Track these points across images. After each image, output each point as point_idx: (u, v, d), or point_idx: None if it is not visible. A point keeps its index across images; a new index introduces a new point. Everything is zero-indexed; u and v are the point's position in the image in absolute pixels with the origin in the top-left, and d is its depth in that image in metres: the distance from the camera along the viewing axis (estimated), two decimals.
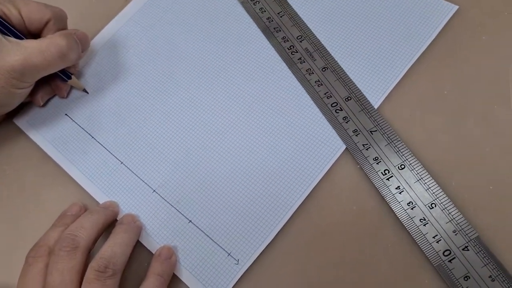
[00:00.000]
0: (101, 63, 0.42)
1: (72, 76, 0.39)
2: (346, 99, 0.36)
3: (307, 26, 0.40)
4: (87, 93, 0.41)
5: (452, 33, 0.37)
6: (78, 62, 0.41)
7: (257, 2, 0.42)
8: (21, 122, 0.41)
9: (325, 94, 0.36)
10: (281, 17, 0.41)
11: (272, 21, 0.41)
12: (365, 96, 0.36)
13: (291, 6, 0.41)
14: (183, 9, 0.43)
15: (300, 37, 0.39)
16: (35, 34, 0.38)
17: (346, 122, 0.35)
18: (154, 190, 0.36)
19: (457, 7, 0.38)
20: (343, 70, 0.37)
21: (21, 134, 0.41)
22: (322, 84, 0.37)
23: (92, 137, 0.39)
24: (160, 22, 0.43)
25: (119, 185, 0.37)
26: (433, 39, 0.37)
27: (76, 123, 0.40)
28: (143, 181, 0.36)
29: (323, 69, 0.37)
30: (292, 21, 0.40)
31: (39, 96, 0.39)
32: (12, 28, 0.35)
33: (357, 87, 0.36)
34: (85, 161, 0.38)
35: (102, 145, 0.38)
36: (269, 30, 0.40)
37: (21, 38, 0.35)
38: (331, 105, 0.36)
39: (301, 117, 0.36)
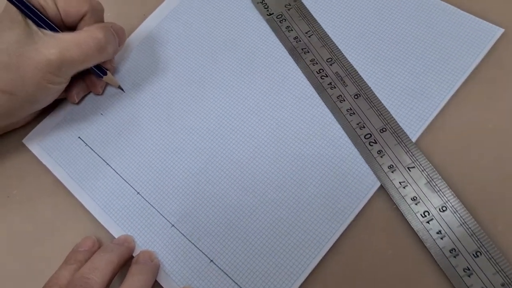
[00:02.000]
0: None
1: (108, 72, 0.37)
2: (381, 131, 0.33)
3: (338, 48, 0.37)
4: (123, 90, 0.39)
5: (498, 58, 0.34)
6: (114, 58, 0.39)
7: (284, 20, 0.39)
8: (31, 144, 0.39)
9: (357, 124, 0.34)
10: (309, 37, 0.38)
11: (300, 41, 0.38)
12: (401, 128, 0.33)
13: (320, 25, 0.38)
14: (210, 17, 0.41)
15: (330, 59, 0.36)
16: (71, 27, 0.36)
17: (381, 157, 0.32)
18: (173, 225, 0.34)
19: (503, 30, 0.35)
20: (377, 98, 0.34)
21: (32, 156, 0.39)
22: (354, 113, 0.34)
23: (107, 163, 0.37)
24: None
25: (134, 217, 0.34)
26: (477, 64, 0.34)
27: (89, 147, 0.38)
28: (161, 214, 0.34)
29: (356, 96, 0.35)
30: (322, 41, 0.37)
31: (74, 92, 0.38)
32: (48, 21, 0.33)
33: (392, 117, 0.33)
34: (99, 189, 0.36)
35: (116, 172, 0.36)
36: (297, 51, 0.37)
37: (56, 31, 0.34)
38: (365, 136, 0.33)
39: (332, 149, 0.34)
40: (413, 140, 0.33)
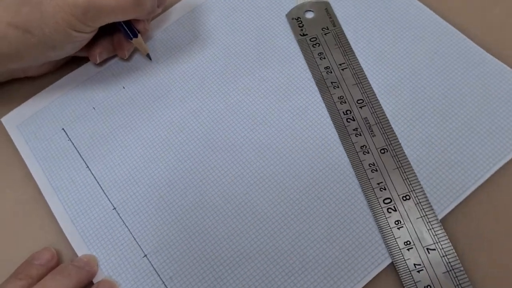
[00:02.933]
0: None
1: (139, 35, 0.33)
2: (404, 198, 0.29)
3: (372, 90, 0.32)
4: (150, 59, 0.35)
5: None
6: (149, 19, 0.34)
7: (317, 45, 0.34)
8: (9, 125, 0.34)
9: (378, 184, 0.29)
10: (342, 70, 0.33)
11: (331, 72, 0.33)
12: (427, 199, 0.28)
13: (357, 59, 0.33)
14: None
15: (361, 101, 0.32)
16: None
17: (398, 229, 0.28)
18: (145, 255, 0.29)
19: None
20: (407, 158, 0.30)
21: (8, 139, 0.34)
22: (377, 170, 0.29)
23: (87, 166, 0.32)
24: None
25: (104, 236, 0.30)
26: None
27: (72, 142, 0.33)
28: (135, 240, 0.29)
29: (382, 151, 0.30)
30: (355, 78, 0.33)
31: (97, 51, 0.33)
32: None
33: (420, 185, 0.29)
34: (72, 195, 0.31)
35: (95, 178, 0.32)
36: (325, 84, 0.33)
37: None
38: (384, 200, 0.29)
39: (344, 206, 0.29)
40: (439, 217, 0.28)
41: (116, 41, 0.34)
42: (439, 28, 0.34)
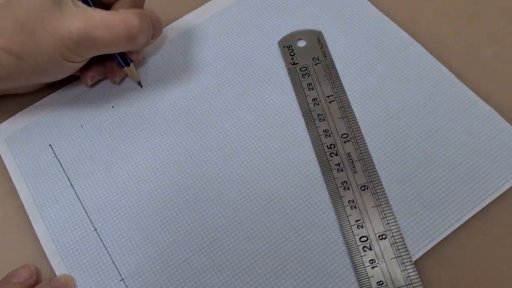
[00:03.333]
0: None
1: (131, 64, 0.34)
2: (380, 237, 0.29)
3: (358, 125, 0.33)
4: (141, 87, 0.35)
5: None
6: (142, 49, 0.35)
7: (307, 75, 0.35)
8: None
9: (356, 221, 0.29)
10: (329, 102, 0.33)
11: (318, 104, 0.33)
12: (403, 240, 0.29)
13: (345, 93, 0.34)
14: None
15: (346, 136, 0.32)
16: (106, 4, 0.33)
17: (372, 268, 0.28)
18: (122, 279, 0.29)
19: None
20: (386, 196, 0.30)
21: None
22: (356, 207, 0.30)
23: (70, 184, 0.32)
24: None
25: (83, 257, 0.30)
26: (505, 190, 0.30)
27: (57, 159, 0.33)
28: (113, 263, 0.30)
29: (362, 188, 0.30)
30: (342, 111, 0.33)
31: (89, 75, 0.34)
32: None
33: (397, 224, 0.29)
34: (54, 213, 0.32)
35: (78, 197, 0.32)
36: (312, 116, 0.33)
37: (88, 4, 0.31)
38: (360, 238, 0.29)
39: (321, 241, 0.29)
40: (413, 258, 0.28)
41: (108, 67, 0.34)
42: (432, 69, 0.34)
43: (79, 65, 0.32)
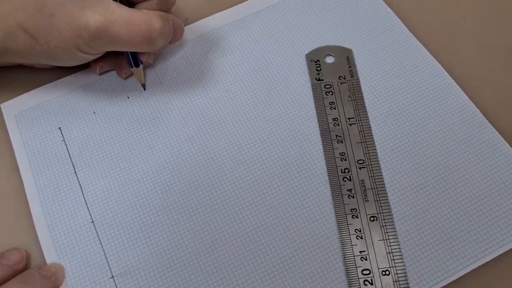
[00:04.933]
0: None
1: (141, 66, 0.33)
2: (384, 272, 0.28)
3: (376, 152, 0.31)
4: (144, 89, 0.34)
5: None
6: (156, 53, 0.34)
7: (330, 93, 0.33)
8: (7, 112, 0.34)
9: (360, 252, 0.28)
10: (350, 125, 0.32)
11: (338, 125, 0.32)
12: (407, 279, 0.28)
13: (367, 117, 0.33)
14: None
15: (362, 162, 0.31)
16: (131, 2, 0.31)
17: None
18: (112, 276, 0.29)
19: None
20: (395, 230, 0.29)
21: (2, 126, 0.34)
22: (362, 238, 0.29)
23: (74, 171, 0.32)
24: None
25: (76, 248, 0.29)
26: None
27: (65, 143, 0.33)
28: (106, 258, 0.29)
29: (372, 218, 0.29)
30: (361, 136, 0.32)
31: (99, 63, 0.34)
32: None
33: (402, 261, 0.28)
34: (54, 198, 0.31)
35: (80, 186, 0.31)
36: (330, 136, 0.32)
37: None
38: (362, 271, 0.28)
39: (324, 275, 0.28)
40: None
41: (118, 60, 0.34)
42: (460, 105, 0.33)
43: (92, 57, 0.31)
